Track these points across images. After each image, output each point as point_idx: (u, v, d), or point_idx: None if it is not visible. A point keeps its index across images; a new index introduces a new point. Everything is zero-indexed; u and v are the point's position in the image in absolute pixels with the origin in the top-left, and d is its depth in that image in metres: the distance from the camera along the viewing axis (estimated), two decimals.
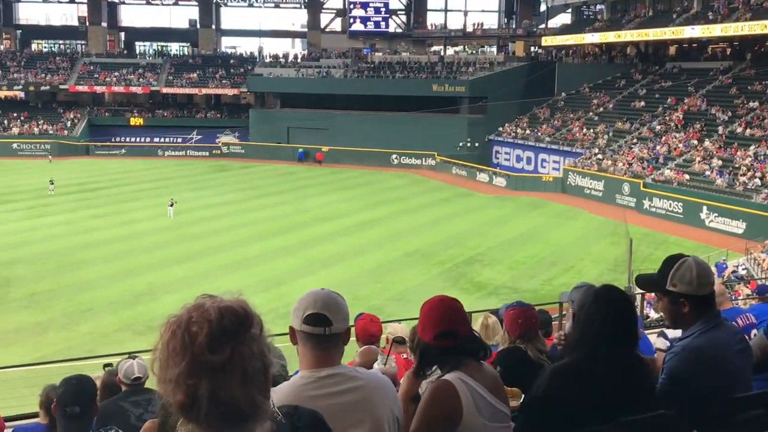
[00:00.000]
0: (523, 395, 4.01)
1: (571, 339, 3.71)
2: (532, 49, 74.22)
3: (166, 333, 1.78)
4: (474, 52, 77.89)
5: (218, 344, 1.73)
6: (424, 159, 64.82)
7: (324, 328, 2.84)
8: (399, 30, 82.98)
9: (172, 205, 42.64)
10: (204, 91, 76.61)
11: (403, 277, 31.40)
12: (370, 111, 67.04)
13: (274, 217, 42.84)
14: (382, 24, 79.93)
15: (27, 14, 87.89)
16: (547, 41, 70.48)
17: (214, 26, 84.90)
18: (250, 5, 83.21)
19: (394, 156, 65.58)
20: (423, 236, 38.56)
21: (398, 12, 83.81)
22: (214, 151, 71.40)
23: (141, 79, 76.24)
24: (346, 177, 59.06)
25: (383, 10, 79.39)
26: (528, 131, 62.59)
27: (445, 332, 3.23)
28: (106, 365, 7.50)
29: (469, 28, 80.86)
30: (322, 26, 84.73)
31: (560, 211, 46.50)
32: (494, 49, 78.37)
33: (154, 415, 4.70)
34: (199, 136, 73.14)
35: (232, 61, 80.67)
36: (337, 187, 54.43)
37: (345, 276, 30.82)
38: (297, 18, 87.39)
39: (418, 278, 31.17)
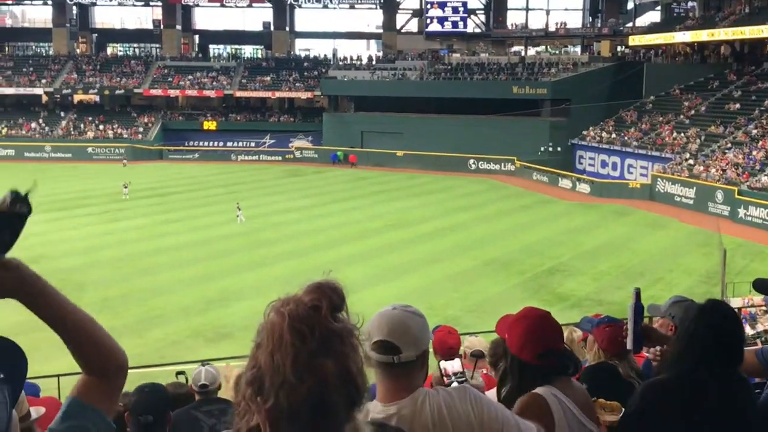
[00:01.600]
0: (623, 409, 3.69)
1: (669, 355, 3.47)
2: (619, 48, 71.84)
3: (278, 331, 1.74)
4: (556, 52, 75.64)
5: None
6: (503, 164, 63.14)
7: (392, 356, 2.62)
8: (478, 30, 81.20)
9: (240, 210, 42.20)
10: (277, 94, 76.38)
11: (480, 286, 30.53)
12: (447, 114, 65.60)
13: (347, 224, 42.07)
14: (460, 24, 78.24)
15: (102, 18, 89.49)
16: (635, 40, 68.13)
17: (288, 28, 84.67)
18: (325, 6, 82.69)
19: (471, 161, 64.02)
20: (502, 244, 37.44)
21: (477, 11, 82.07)
22: (287, 156, 70.99)
23: (214, 83, 76.52)
24: (421, 182, 57.95)
25: (461, 9, 77.72)
26: (614, 135, 60.37)
27: (548, 351, 3.16)
28: (178, 373, 7.60)
29: (552, 28, 78.58)
30: (398, 27, 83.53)
31: (648, 219, 45.00)
32: (578, 49, 76.13)
33: (227, 425, 4.85)
34: (272, 141, 72.91)
35: (305, 64, 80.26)
36: (412, 193, 53.40)
37: (419, 284, 30.21)
38: (372, 19, 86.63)
39: (496, 288, 30.36)
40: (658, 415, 3.09)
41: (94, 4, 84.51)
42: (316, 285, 1.81)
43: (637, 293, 4.21)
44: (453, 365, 3.52)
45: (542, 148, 62.70)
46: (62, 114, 75.91)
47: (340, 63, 78.23)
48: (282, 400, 1.70)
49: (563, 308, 26.78)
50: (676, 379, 3.17)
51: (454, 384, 3.09)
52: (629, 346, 4.29)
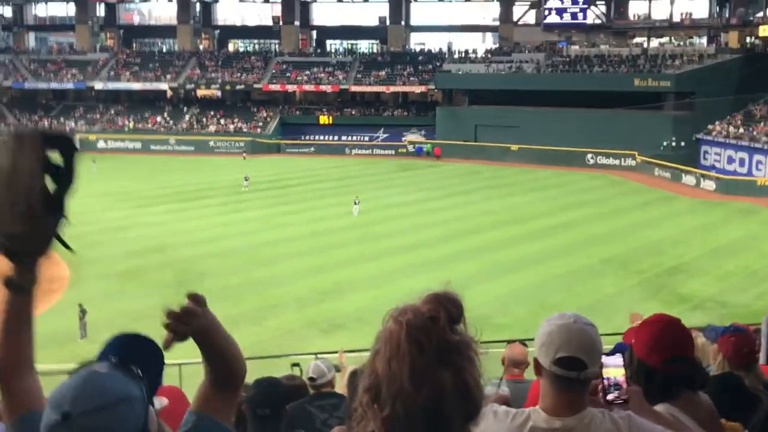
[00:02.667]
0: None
1: None
2: (748, 39, 68.68)
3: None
4: (681, 43, 72.86)
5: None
6: (623, 159, 61.40)
7: (578, 373, 2.53)
8: (598, 21, 78.95)
9: (357, 204, 42.62)
10: (392, 89, 76.78)
11: (597, 285, 29.88)
12: (565, 107, 64.33)
13: (460, 218, 41.88)
14: (580, 15, 76.29)
15: (224, 15, 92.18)
16: (766, 31, 64.95)
17: (403, 22, 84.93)
18: (441, 0, 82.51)
19: (589, 155, 62.58)
20: (620, 242, 36.50)
21: (597, 2, 79.91)
22: (400, 150, 71.38)
23: (331, 78, 77.67)
24: (536, 177, 57.02)
25: (581, 0, 75.95)
26: (742, 130, 57.74)
27: (676, 357, 3.05)
28: (293, 364, 7.75)
29: (676, 18, 75.49)
30: (515, 19, 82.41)
31: None
32: (704, 40, 73.06)
33: (340, 420, 5.12)
34: (386, 135, 73.42)
35: (420, 58, 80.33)
36: (526, 188, 52.68)
37: (533, 282, 29.92)
38: (488, 11, 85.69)
39: (613, 287, 29.66)
40: None
41: (217, 2, 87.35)
42: (435, 296, 1.81)
43: None
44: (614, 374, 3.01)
45: (665, 143, 60.73)
46: (186, 108, 78.98)
47: (455, 56, 77.89)
48: (398, 409, 1.71)
49: (685, 310, 26.05)
50: None
51: (611, 395, 2.85)
52: (762, 360, 4.05)
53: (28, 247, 1.83)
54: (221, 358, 2.05)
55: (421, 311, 1.76)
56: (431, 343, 1.72)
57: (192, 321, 1.95)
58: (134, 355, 2.06)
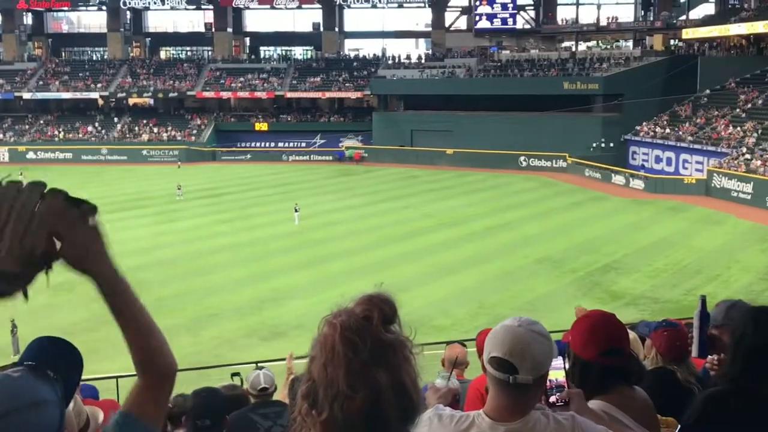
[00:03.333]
0: (679, 426, 3.51)
1: (727, 367, 3.20)
2: (672, 42, 70.94)
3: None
4: (608, 47, 74.52)
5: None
6: (554, 161, 62.40)
7: (508, 376, 2.49)
8: (527, 26, 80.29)
9: (297, 211, 42.44)
10: (327, 94, 76.72)
11: (532, 285, 30.35)
12: (497, 111, 65.00)
13: (398, 222, 42.09)
14: (510, 21, 77.38)
15: (156, 22, 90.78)
16: (689, 34, 66.91)
17: (337, 29, 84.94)
18: (374, 6, 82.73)
19: (522, 158, 63.46)
20: (554, 242, 37.07)
21: (526, 8, 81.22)
22: (337, 155, 71.49)
23: (265, 84, 77.20)
24: (471, 180, 57.62)
25: (511, 6, 76.86)
26: (668, 130, 59.23)
27: (612, 349, 3.05)
28: (234, 374, 7.67)
29: (603, 22, 77.23)
30: (447, 25, 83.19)
31: (704, 215, 44.13)
32: (630, 43, 74.90)
33: (284, 428, 5.06)
34: (323, 141, 73.35)
35: (355, 64, 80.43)
36: (462, 191, 53.15)
37: (470, 283, 30.20)
38: (421, 17, 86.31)
39: (548, 286, 30.16)
40: (718, 429, 2.96)
41: (147, 9, 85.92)
42: (368, 297, 1.82)
43: (703, 301, 4.16)
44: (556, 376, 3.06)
45: (594, 144, 61.79)
46: (117, 117, 77.50)
47: (389, 62, 78.27)
48: (336, 412, 1.71)
49: (618, 306, 26.38)
50: (735, 393, 3.00)
51: (553, 397, 2.86)
52: (694, 353, 4.21)
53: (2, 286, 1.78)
54: (137, 324, 1.90)
55: (354, 312, 1.77)
56: (365, 343, 1.72)
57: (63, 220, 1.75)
58: (50, 358, 2.07)
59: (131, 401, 1.96)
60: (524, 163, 63.47)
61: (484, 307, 27.21)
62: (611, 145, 61.74)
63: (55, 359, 2.03)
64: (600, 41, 77.33)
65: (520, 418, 2.55)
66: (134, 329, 1.89)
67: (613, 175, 56.49)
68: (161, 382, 1.97)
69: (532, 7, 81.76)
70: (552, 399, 2.85)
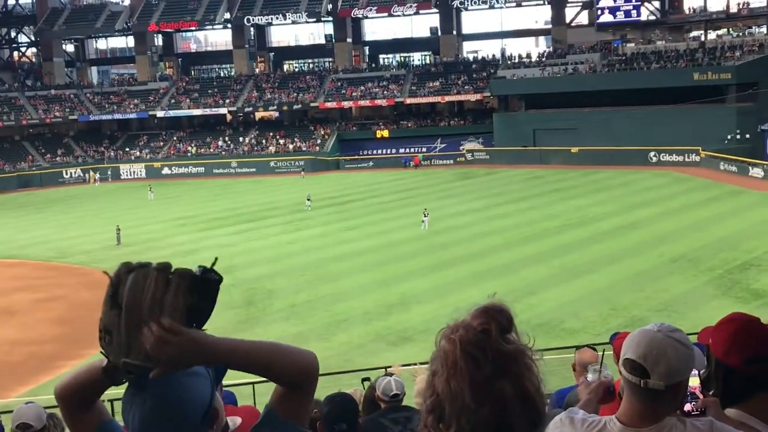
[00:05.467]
0: None
1: None
2: None
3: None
4: (740, 34, 71.03)
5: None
6: (687, 155, 60.14)
7: (639, 379, 2.42)
8: (652, 17, 77.63)
9: (426, 216, 42.41)
10: (447, 98, 76.66)
11: (667, 285, 29.10)
12: (624, 106, 63.44)
13: (523, 224, 41.52)
14: (633, 13, 75.06)
15: (278, 37, 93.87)
16: None
17: (455, 32, 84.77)
18: (491, 7, 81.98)
19: (652, 153, 61.49)
20: (689, 240, 35.65)
21: None
22: (458, 159, 71.24)
23: (385, 92, 78.02)
24: (599, 178, 56.27)
25: None
26: None
27: (757, 357, 2.86)
28: (364, 379, 7.81)
29: (733, 9, 73.79)
30: (568, 21, 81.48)
31: None
32: (764, 29, 70.95)
33: None
34: (443, 145, 73.42)
35: (474, 66, 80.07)
36: (589, 190, 51.97)
37: (601, 284, 29.33)
38: (540, 15, 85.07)
39: (684, 286, 28.85)
40: None
41: (270, 24, 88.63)
42: (483, 309, 1.83)
43: None
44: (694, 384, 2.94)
45: (729, 136, 59.43)
46: (245, 131, 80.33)
47: (509, 62, 77.43)
48: (464, 425, 1.75)
49: (760, 305, 25.40)
50: None
51: (688, 406, 2.77)
52: None
53: (137, 370, 1.98)
54: (267, 369, 2.06)
55: (472, 326, 1.79)
56: (487, 356, 1.75)
57: (164, 348, 1.91)
58: None
59: (276, 401, 2.12)
60: (654, 159, 61.44)
61: (616, 309, 26.41)
62: (747, 136, 59.13)
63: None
64: (731, 29, 73.69)
65: (653, 424, 2.49)
66: (260, 368, 2.06)
67: (750, 167, 54.22)
68: (303, 389, 2.13)
69: None
70: (687, 408, 2.75)
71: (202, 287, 1.98)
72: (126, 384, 2.05)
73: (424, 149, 73.47)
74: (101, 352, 2.01)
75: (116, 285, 1.98)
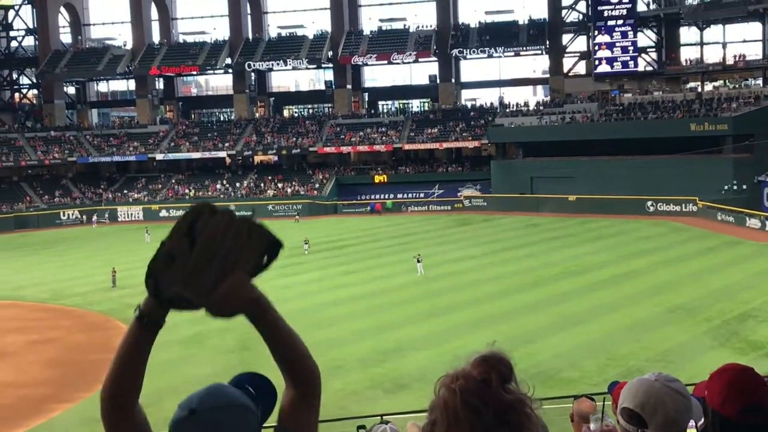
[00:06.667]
0: None
1: None
2: None
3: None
4: (736, 86, 71.88)
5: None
6: (684, 205, 60.29)
7: (637, 429, 2.45)
8: (649, 68, 78.67)
9: (420, 262, 42.39)
10: (445, 145, 77.19)
11: (665, 335, 28.96)
12: (621, 156, 63.82)
13: (521, 272, 41.38)
14: (631, 63, 76.03)
15: (278, 82, 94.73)
16: None
17: (453, 80, 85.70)
18: (490, 56, 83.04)
19: (649, 203, 61.67)
20: (686, 290, 35.52)
21: (648, 50, 79.66)
22: (456, 205, 71.40)
23: (384, 137, 78.53)
24: (596, 227, 56.27)
25: (631, 49, 75.61)
26: None
27: (753, 407, 2.78)
28: (359, 427, 7.74)
29: (730, 61, 74.78)
30: (565, 71, 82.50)
31: None
32: (760, 81, 71.96)
33: None
34: (441, 191, 73.66)
35: (472, 113, 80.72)
36: (587, 238, 51.94)
37: (600, 333, 29.20)
38: (538, 64, 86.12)
39: (682, 336, 28.73)
40: None
41: (271, 70, 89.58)
42: (483, 357, 1.82)
43: None
44: None
45: (726, 187, 59.56)
46: (244, 174, 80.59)
47: (507, 110, 78.11)
48: None
49: (758, 357, 25.34)
50: None
51: None
52: None
53: (195, 305, 2.00)
54: (285, 341, 2.16)
55: (472, 375, 1.77)
56: (487, 406, 1.73)
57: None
58: (250, 381, 2.29)
59: (285, 414, 2.17)
60: (651, 208, 61.58)
61: (613, 359, 26.24)
62: (744, 187, 59.29)
63: (255, 383, 2.27)
64: (727, 80, 74.57)
65: None
66: (283, 335, 2.18)
67: (747, 218, 54.22)
68: (308, 387, 2.19)
69: (654, 49, 79.96)
70: None
71: (272, 250, 2.05)
72: (173, 417, 2.04)
73: (422, 195, 73.69)
74: (147, 279, 1.96)
75: (195, 217, 1.96)
